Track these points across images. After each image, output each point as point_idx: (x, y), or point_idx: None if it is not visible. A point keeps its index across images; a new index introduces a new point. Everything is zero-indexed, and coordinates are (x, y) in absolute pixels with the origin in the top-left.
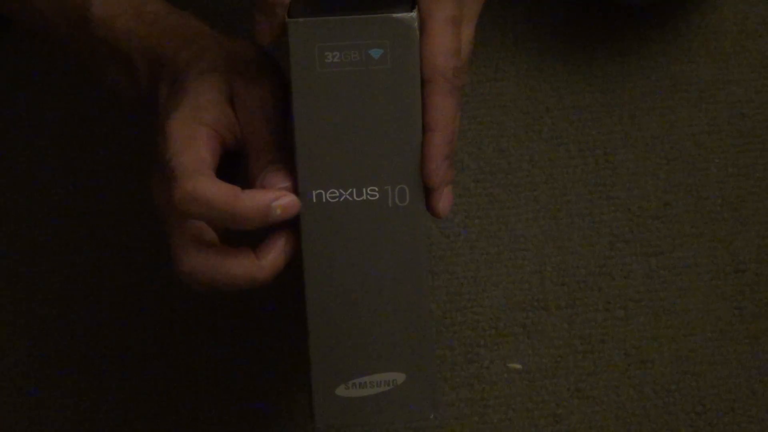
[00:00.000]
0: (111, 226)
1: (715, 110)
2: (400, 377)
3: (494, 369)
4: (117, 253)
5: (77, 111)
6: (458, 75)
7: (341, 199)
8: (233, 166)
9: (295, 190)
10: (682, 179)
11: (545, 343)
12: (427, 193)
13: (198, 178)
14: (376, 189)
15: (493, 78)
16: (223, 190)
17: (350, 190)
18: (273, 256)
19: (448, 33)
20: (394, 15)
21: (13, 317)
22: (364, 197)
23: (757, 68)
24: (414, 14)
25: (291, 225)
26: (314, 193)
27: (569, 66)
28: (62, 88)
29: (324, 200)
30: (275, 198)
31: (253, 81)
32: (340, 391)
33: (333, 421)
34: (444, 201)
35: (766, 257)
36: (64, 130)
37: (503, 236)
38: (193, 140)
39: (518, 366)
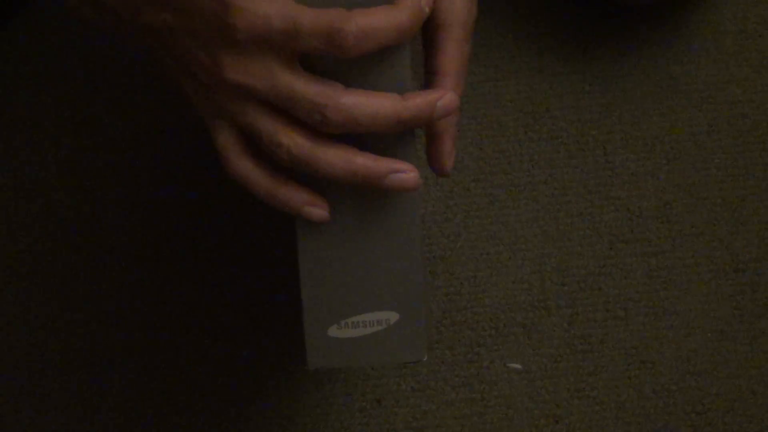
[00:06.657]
0: (111, 226)
1: (715, 110)
2: (393, 316)
3: (494, 369)
4: (117, 253)
5: (77, 111)
6: (471, 30)
7: None
8: None
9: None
10: (682, 179)
11: (545, 343)
12: (431, 141)
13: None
14: None
15: (493, 78)
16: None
17: None
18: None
19: None
20: None
21: (13, 317)
22: None
23: (757, 68)
24: None
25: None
26: None
27: (569, 66)
28: (62, 88)
29: None
30: (439, 97)
31: None
32: (333, 331)
33: (326, 362)
34: (448, 148)
35: (766, 257)
36: (64, 130)
37: (503, 236)
38: None
39: (518, 366)
